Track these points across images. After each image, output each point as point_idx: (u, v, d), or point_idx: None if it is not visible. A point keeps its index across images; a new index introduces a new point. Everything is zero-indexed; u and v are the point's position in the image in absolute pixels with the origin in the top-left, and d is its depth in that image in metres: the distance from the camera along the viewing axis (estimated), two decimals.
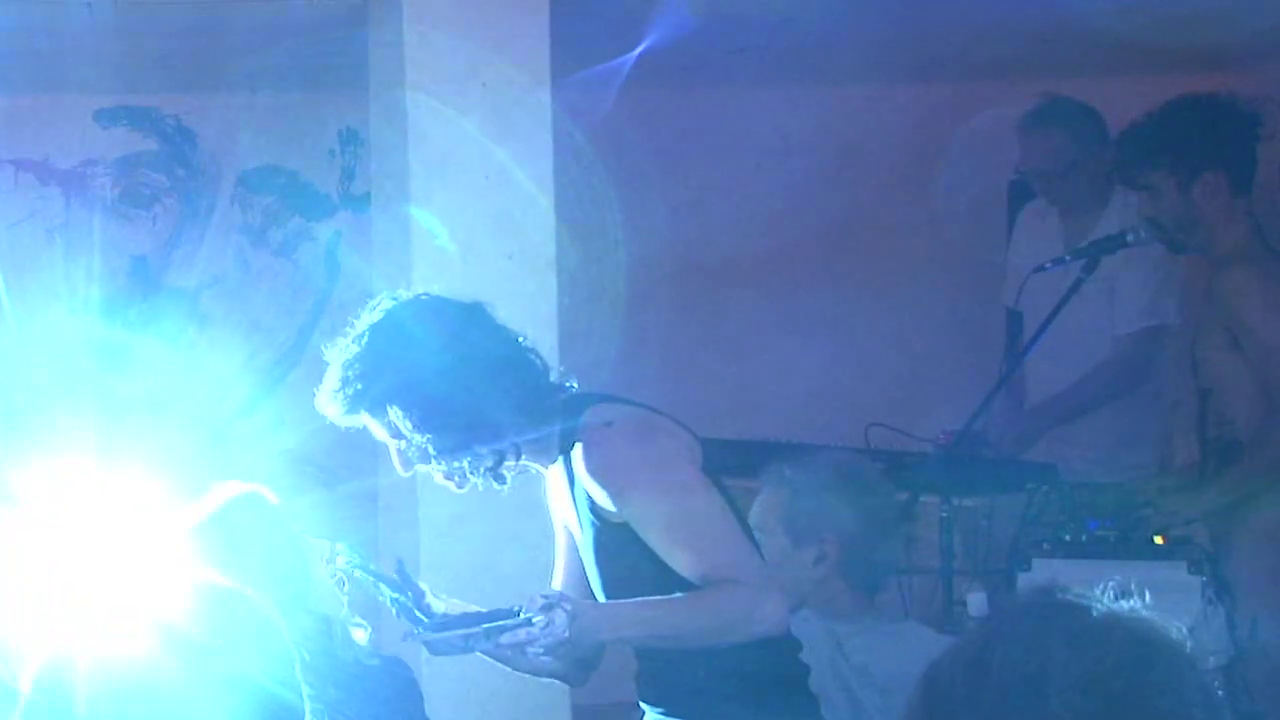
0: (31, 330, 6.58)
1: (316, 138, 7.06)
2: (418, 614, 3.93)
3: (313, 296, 7.05)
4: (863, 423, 6.00)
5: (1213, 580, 4.91)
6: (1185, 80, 6.01)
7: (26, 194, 6.89)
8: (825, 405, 6.72)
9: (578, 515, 3.99)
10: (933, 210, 7.34)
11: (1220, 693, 2.21)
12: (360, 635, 3.71)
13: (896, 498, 4.75)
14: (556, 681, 4.26)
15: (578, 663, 4.05)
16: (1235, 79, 6.13)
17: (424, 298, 4.03)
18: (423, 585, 3.99)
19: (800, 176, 7.18)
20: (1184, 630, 2.21)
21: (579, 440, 3.92)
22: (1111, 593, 2.23)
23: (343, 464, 5.56)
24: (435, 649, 3.91)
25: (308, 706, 2.71)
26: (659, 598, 3.86)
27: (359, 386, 3.89)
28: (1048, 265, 5.73)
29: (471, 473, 3.94)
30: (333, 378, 3.92)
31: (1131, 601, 2.22)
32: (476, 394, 3.89)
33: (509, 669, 4.08)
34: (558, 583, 4.16)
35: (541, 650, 3.77)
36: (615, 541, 3.92)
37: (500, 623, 3.78)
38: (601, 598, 4.02)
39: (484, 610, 3.97)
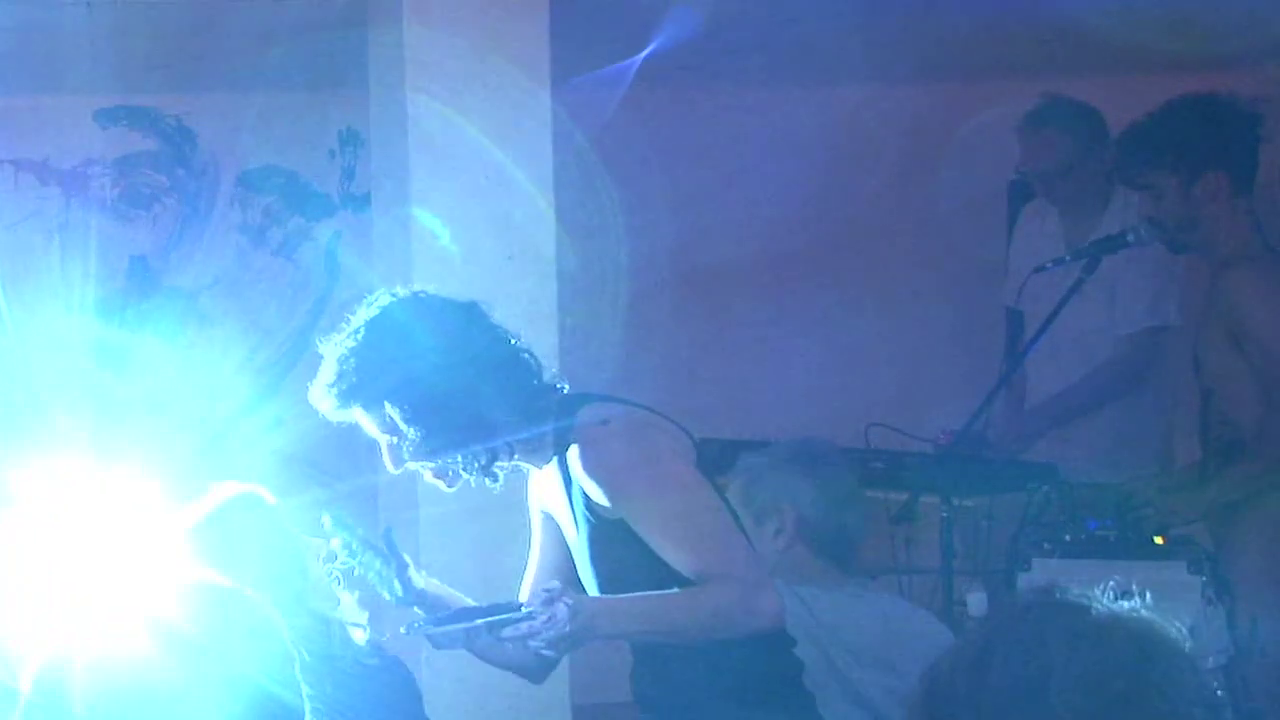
0: (31, 330, 6.57)
1: (316, 138, 7.06)
2: (396, 585, 3.95)
3: (313, 296, 7.05)
4: (863, 423, 6.00)
5: (1213, 580, 4.91)
6: (1186, 80, 6.00)
7: (26, 194, 6.89)
8: (825, 405, 6.71)
9: (573, 514, 3.99)
10: (933, 210, 7.33)
11: (1220, 693, 2.21)
12: (359, 635, 3.71)
13: (850, 471, 4.85)
14: (556, 681, 4.26)
15: (541, 660, 4.05)
16: (1236, 79, 6.13)
17: (420, 295, 4.04)
18: (407, 558, 4.00)
19: (800, 177, 7.18)
20: (1184, 630, 2.21)
21: (575, 439, 3.93)
22: (1112, 593, 2.23)
23: (342, 464, 5.56)
24: (437, 643, 3.91)
25: (307, 706, 2.70)
26: (657, 593, 3.87)
27: (353, 381, 3.90)
28: (1048, 265, 5.72)
29: (464, 471, 3.95)
30: (327, 372, 3.93)
31: (1132, 601, 2.22)
32: (471, 392, 3.90)
33: (501, 667, 4.09)
34: (530, 574, 4.17)
35: (543, 644, 3.77)
36: (611, 539, 3.93)
37: (502, 616, 3.78)
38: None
39: (483, 604, 3.98)
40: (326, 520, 3.93)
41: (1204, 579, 4.89)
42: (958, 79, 7.23)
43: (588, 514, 3.95)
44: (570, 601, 3.75)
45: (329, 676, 3.46)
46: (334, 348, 3.95)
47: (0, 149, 6.85)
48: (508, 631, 3.76)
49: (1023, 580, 4.95)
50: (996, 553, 5.42)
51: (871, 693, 4.38)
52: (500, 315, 4.06)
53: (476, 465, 3.95)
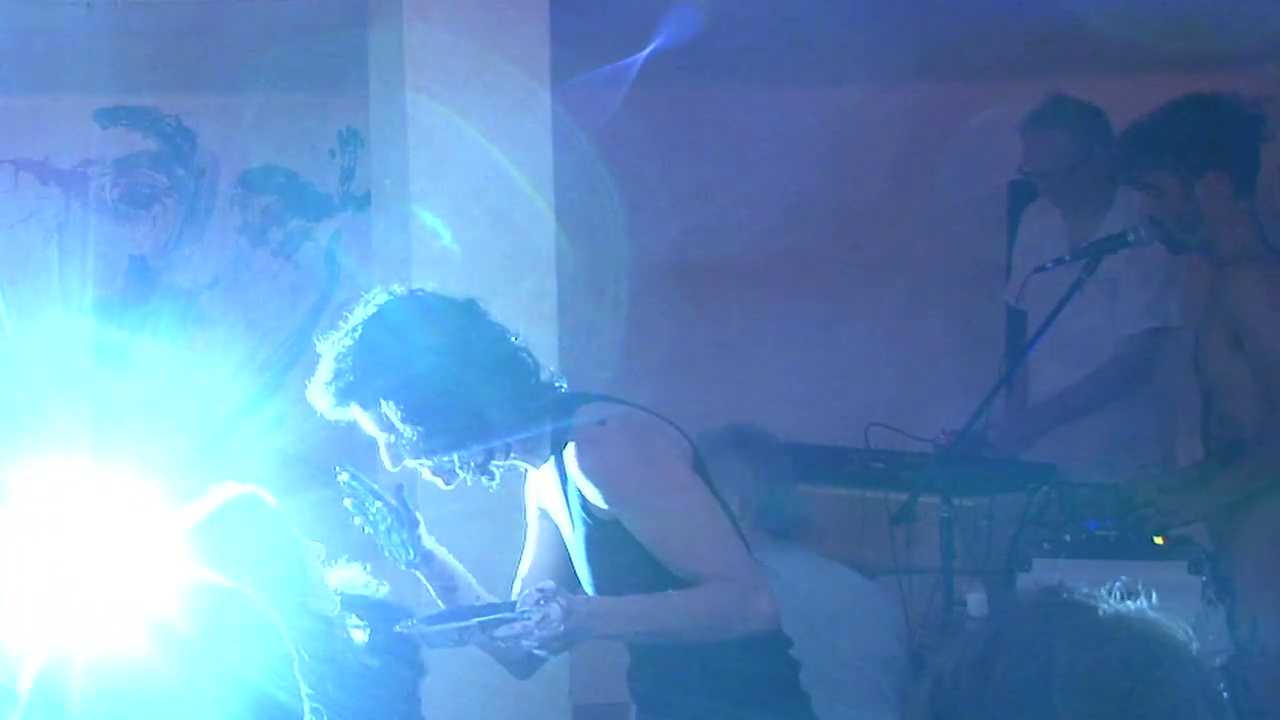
0: (31, 330, 6.57)
1: (316, 138, 7.06)
2: (406, 543, 3.96)
3: (313, 296, 7.04)
4: (863, 423, 6.00)
5: (1213, 580, 4.91)
6: (1187, 81, 6.00)
7: (26, 194, 6.89)
8: (825, 405, 6.71)
9: (569, 514, 4.00)
10: (933, 210, 7.33)
11: (1225, 693, 2.21)
12: (360, 636, 3.71)
13: (786, 456, 5.11)
14: (556, 681, 4.26)
15: (527, 658, 4.06)
16: (1237, 79, 6.13)
17: (418, 294, 4.05)
18: (419, 516, 4.02)
19: (800, 176, 7.18)
20: (1190, 631, 2.21)
21: (572, 439, 3.93)
22: (1118, 593, 2.23)
23: (341, 463, 5.55)
24: (430, 641, 3.91)
25: (306, 706, 2.70)
26: (652, 594, 3.88)
27: (350, 380, 3.90)
28: (1048, 265, 5.72)
29: (460, 469, 3.95)
30: (325, 371, 3.94)
31: (1138, 602, 2.22)
32: (468, 391, 3.90)
33: (503, 668, 4.10)
34: (524, 570, 4.18)
35: (535, 644, 3.78)
36: (607, 540, 3.93)
37: (496, 616, 3.78)
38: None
39: (478, 603, 3.99)
40: (343, 476, 3.96)
41: (1204, 579, 4.88)
42: (958, 79, 7.22)
43: (584, 514, 3.96)
44: (564, 602, 3.75)
45: (330, 677, 3.45)
46: (332, 346, 3.95)
47: (0, 149, 6.85)
48: (501, 631, 3.77)
49: (1023, 580, 4.95)
50: (996, 553, 5.41)
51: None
52: (500, 315, 4.07)
53: (474, 463, 3.95)
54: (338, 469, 4.00)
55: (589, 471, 3.91)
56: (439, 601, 4.05)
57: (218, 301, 7.01)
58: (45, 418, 6.03)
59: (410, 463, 3.98)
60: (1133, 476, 5.53)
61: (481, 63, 5.27)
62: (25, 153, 6.88)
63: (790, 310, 7.29)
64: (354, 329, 3.95)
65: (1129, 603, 2.22)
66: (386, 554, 4.03)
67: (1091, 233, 5.91)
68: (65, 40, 5.81)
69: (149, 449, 5.71)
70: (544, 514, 4.15)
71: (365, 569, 3.85)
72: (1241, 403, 5.24)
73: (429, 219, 5.22)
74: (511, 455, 4.00)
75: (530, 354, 4.02)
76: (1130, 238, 5.46)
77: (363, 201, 6.73)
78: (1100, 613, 2.20)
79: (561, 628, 3.74)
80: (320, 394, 3.94)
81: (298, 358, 6.83)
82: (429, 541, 4.04)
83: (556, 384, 4.03)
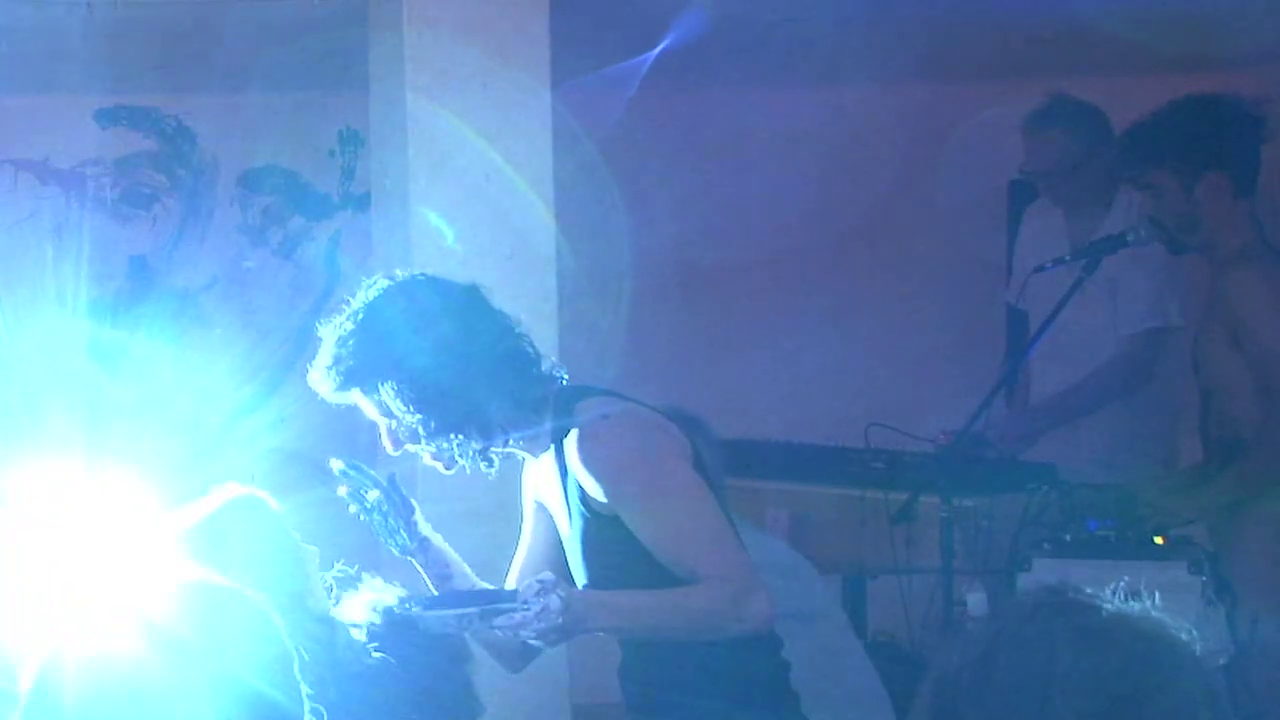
0: (30, 331, 6.57)
1: (316, 138, 7.06)
2: (401, 530, 3.96)
3: (313, 296, 7.04)
4: (863, 423, 6.00)
5: (1213, 580, 4.91)
6: (1187, 81, 6.01)
7: (26, 194, 6.89)
8: (825, 405, 6.71)
9: (567, 506, 3.99)
10: (933, 210, 7.33)
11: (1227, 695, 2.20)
12: (360, 635, 3.70)
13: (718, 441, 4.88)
14: (555, 681, 4.26)
15: (524, 649, 4.06)
16: (1238, 79, 6.13)
17: (421, 278, 4.04)
18: (414, 502, 4.01)
19: (800, 176, 7.18)
20: (1193, 632, 2.21)
21: (574, 432, 3.92)
22: (1122, 593, 2.23)
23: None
24: (427, 625, 3.89)
25: (307, 706, 2.70)
26: (649, 591, 3.88)
27: (351, 364, 3.90)
28: (1048, 265, 5.72)
29: (459, 455, 3.95)
30: (326, 353, 3.93)
31: (1142, 603, 2.22)
32: (469, 378, 3.89)
33: (500, 666, 4.09)
34: (518, 563, 4.18)
35: (533, 635, 3.77)
36: (604, 534, 3.93)
37: (496, 605, 3.78)
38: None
39: (477, 590, 3.98)
40: (338, 464, 3.95)
41: (1204, 579, 4.88)
42: (958, 79, 7.22)
43: (582, 507, 3.95)
44: (563, 594, 3.75)
45: (332, 678, 3.45)
46: (333, 330, 3.94)
47: (0, 149, 6.85)
48: (500, 620, 3.76)
49: (1023, 580, 4.95)
50: (996, 553, 5.41)
51: None
52: None
53: (473, 450, 3.94)
54: (332, 461, 3.99)
55: (592, 465, 3.90)
56: (432, 589, 4.04)
57: (218, 301, 7.01)
58: (45, 418, 6.04)
59: (411, 448, 3.97)
60: (1133, 476, 5.53)
61: (481, 63, 5.27)
62: (25, 153, 6.89)
63: (790, 310, 7.29)
64: (356, 313, 3.94)
65: (1132, 603, 2.22)
66: (383, 541, 4.02)
67: (1091, 233, 5.91)
68: (65, 40, 5.81)
69: (148, 449, 5.72)
70: (540, 507, 4.15)
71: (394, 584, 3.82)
72: (1241, 403, 5.24)
73: (433, 219, 5.22)
74: (511, 443, 3.99)
75: (532, 344, 4.01)
76: (1130, 238, 5.46)
77: (363, 201, 6.73)
78: (1103, 613, 2.20)
79: (560, 620, 3.73)
80: (321, 378, 3.94)
81: (297, 357, 6.82)
82: (425, 528, 4.03)
83: (557, 375, 4.03)
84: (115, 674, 2.54)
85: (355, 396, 3.95)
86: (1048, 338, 5.57)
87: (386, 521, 3.99)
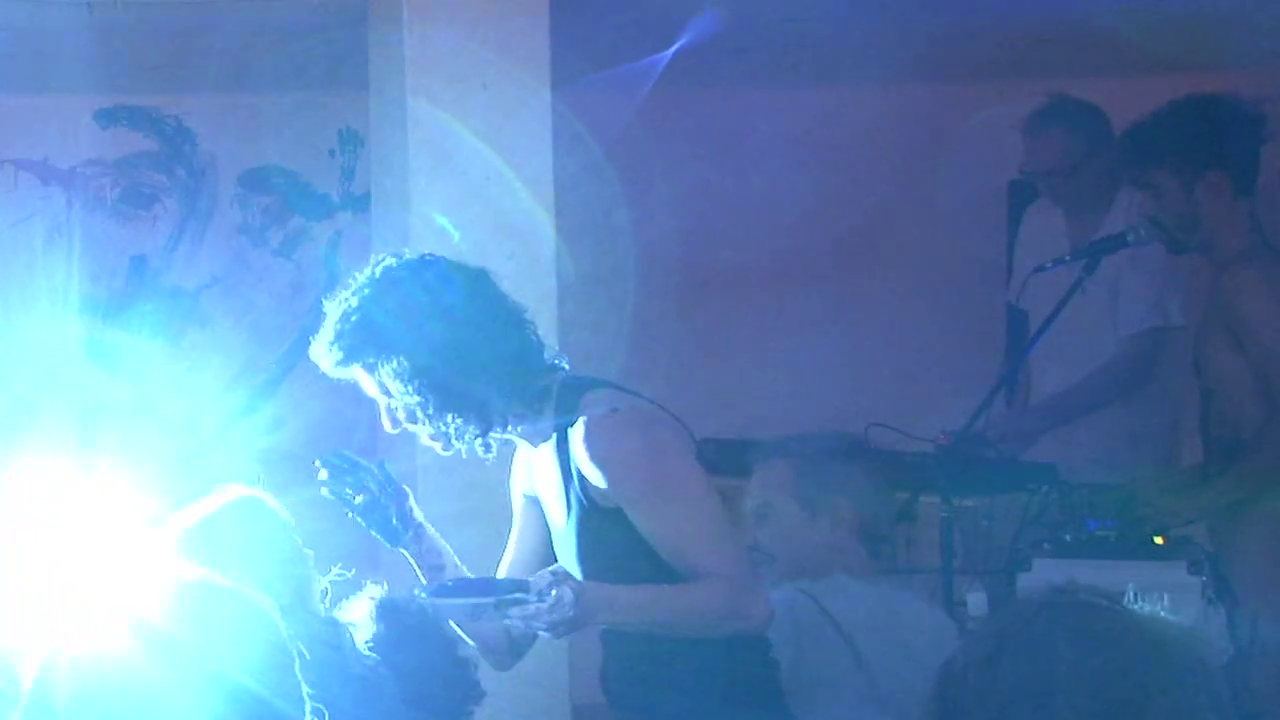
0: (30, 330, 6.57)
1: (316, 138, 7.06)
2: (398, 520, 3.93)
3: (313, 296, 7.04)
4: (863, 423, 5.99)
5: (1213, 580, 4.90)
6: (1187, 81, 6.01)
7: (26, 194, 6.89)
8: (825, 405, 6.71)
9: (566, 499, 3.98)
10: (933, 210, 7.33)
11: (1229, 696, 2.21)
12: (361, 636, 3.70)
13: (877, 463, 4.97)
14: (556, 681, 4.26)
15: (513, 647, 4.04)
16: (1238, 79, 6.13)
17: (428, 258, 4.01)
18: (406, 489, 3.99)
19: (800, 176, 7.18)
20: (1200, 635, 2.21)
21: (580, 425, 3.91)
22: (1131, 594, 2.23)
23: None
24: (441, 614, 3.88)
25: (308, 706, 2.70)
26: (653, 585, 3.88)
27: (352, 341, 3.88)
28: (1048, 265, 5.72)
29: (458, 438, 3.93)
30: (329, 328, 3.91)
31: (1150, 605, 2.22)
32: (471, 360, 3.88)
33: (491, 666, 4.09)
34: (509, 558, 4.17)
35: (544, 626, 3.77)
36: (604, 528, 3.93)
37: (510, 596, 3.76)
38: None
39: (485, 579, 3.97)
40: (323, 472, 3.92)
41: (1204, 579, 4.88)
42: (958, 79, 7.22)
43: (582, 499, 3.95)
44: (575, 586, 3.75)
45: (333, 678, 3.45)
46: (338, 305, 3.93)
47: (0, 149, 6.85)
48: (514, 611, 3.75)
49: (1023, 580, 4.95)
50: (996, 553, 5.41)
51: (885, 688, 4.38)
52: None
53: (472, 432, 3.93)
54: (315, 461, 3.95)
55: (598, 458, 3.89)
56: (423, 579, 4.02)
57: (218, 301, 7.00)
58: (44, 418, 6.04)
59: (410, 426, 3.95)
60: (1133, 476, 5.53)
61: (481, 63, 5.27)
62: (25, 153, 6.88)
63: (790, 310, 7.29)
64: (362, 288, 3.93)
65: (1140, 605, 2.22)
66: (374, 533, 3.99)
67: (1093, 233, 5.91)
68: (65, 40, 5.81)
69: (147, 449, 5.71)
70: (531, 500, 4.14)
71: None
72: (1241, 403, 5.24)
73: (438, 219, 5.21)
74: (511, 429, 3.97)
75: (537, 333, 4.00)
76: (1130, 238, 5.46)
77: (363, 201, 6.73)
78: (1108, 615, 2.20)
79: (572, 612, 3.73)
80: (323, 352, 3.92)
81: (297, 357, 6.83)
82: (419, 514, 4.02)
83: (560, 365, 4.02)
84: (116, 674, 2.54)
85: (356, 372, 3.93)
86: (1048, 338, 5.56)
87: (376, 508, 3.95)
